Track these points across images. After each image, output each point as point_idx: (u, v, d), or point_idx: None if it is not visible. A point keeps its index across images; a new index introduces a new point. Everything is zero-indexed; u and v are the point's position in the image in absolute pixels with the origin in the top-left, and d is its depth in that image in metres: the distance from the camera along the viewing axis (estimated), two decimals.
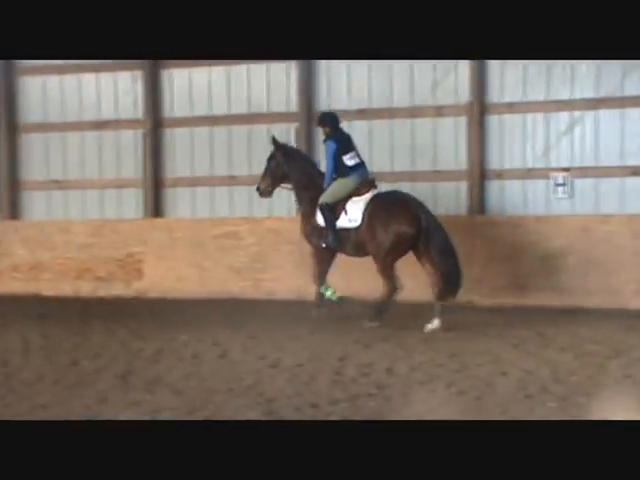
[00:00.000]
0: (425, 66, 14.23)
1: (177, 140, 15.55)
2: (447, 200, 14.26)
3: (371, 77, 14.60)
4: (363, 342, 10.28)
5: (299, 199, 12.20)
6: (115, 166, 15.80)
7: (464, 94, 14.11)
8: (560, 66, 13.66)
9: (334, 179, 11.65)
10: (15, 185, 16.16)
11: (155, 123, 15.51)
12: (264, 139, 14.97)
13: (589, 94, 13.59)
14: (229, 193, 15.36)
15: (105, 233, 15.47)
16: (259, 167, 14.96)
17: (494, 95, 14.04)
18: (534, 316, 12.20)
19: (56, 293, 15.28)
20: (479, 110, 13.99)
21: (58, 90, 16.00)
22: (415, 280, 13.77)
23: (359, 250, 11.71)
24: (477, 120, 13.99)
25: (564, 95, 13.73)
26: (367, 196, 11.56)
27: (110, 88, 15.78)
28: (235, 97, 15.24)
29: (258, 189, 12.38)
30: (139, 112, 15.61)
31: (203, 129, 15.41)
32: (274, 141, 12.31)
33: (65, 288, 15.40)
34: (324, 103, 14.75)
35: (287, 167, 12.10)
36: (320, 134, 14.54)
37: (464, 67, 14.05)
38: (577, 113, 13.68)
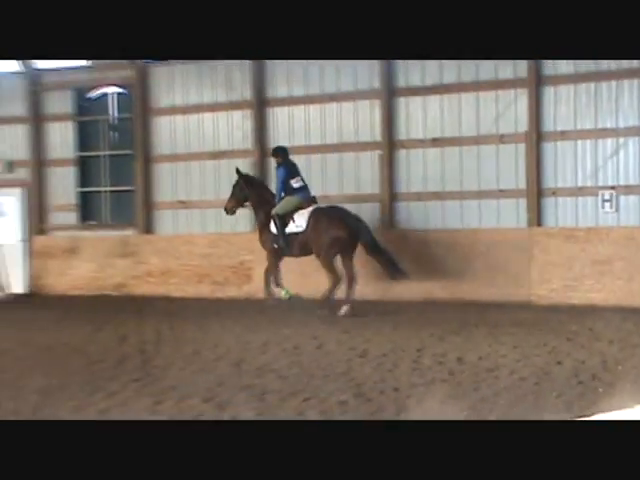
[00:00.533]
0: (489, 100, 14.12)
1: None
2: (509, 214, 14.08)
3: (443, 110, 14.50)
4: (437, 336, 10.22)
5: (256, 214, 13.35)
6: (229, 189, 15.92)
7: (523, 124, 13.93)
8: (606, 99, 13.42)
9: (282, 197, 12.75)
10: (149, 206, 16.43)
11: (262, 152, 15.64)
12: (352, 164, 15.09)
13: (632, 122, 13.30)
14: None
15: (221, 244, 15.66)
16: (349, 187, 15.12)
17: (549, 124, 13.82)
18: (585, 313, 11.98)
19: (182, 294, 15.51)
20: (536, 138, 13.79)
21: (183, 127, 16.25)
22: (477, 281, 13.73)
23: (304, 249, 12.72)
24: (534, 146, 13.79)
25: (610, 124, 13.46)
26: (310, 209, 12.67)
27: (225, 124, 15.96)
28: (328, 129, 15.29)
29: (225, 209, 13.64)
30: (249, 144, 15.77)
31: (301, 157, 15.47)
32: (238, 171, 13.49)
33: (189, 290, 15.62)
34: (403, 133, 14.72)
35: (247, 191, 13.23)
36: (403, 158, 14.68)
37: (523, 101, 13.89)
38: (621, 139, 13.40)
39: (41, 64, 17.01)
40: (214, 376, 8.04)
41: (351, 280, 12.54)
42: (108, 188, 16.91)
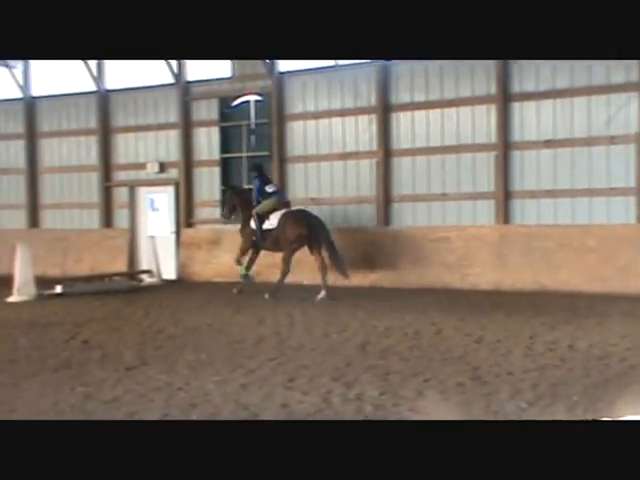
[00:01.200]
0: (600, 103, 13.66)
1: (402, 166, 15.61)
2: (619, 211, 13.60)
3: (556, 113, 14.12)
4: (549, 324, 9.98)
5: (242, 213, 14.53)
6: (356, 187, 16.03)
7: (634, 126, 13.41)
8: None
9: (259, 201, 14.12)
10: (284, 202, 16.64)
11: (386, 154, 15.63)
12: (470, 165, 14.88)
13: None
14: (442, 207, 15.27)
15: (347, 236, 15.71)
16: (466, 186, 14.91)
17: None
18: None
19: (311, 282, 15.60)
20: None
21: (314, 131, 16.39)
22: (587, 273, 13.31)
23: (275, 244, 13.93)
24: None
25: None
26: (282, 211, 13.91)
27: (352, 128, 16.02)
28: (447, 132, 15.14)
29: (223, 216, 15.35)
30: (374, 146, 15.77)
31: (422, 157, 15.40)
32: (224, 184, 15.73)
33: (318, 279, 15.65)
34: (518, 135, 14.42)
35: (235, 199, 14.71)
36: (517, 159, 14.39)
37: (634, 103, 13.37)
38: None
39: (191, 77, 17.52)
40: (342, 357, 8.10)
41: (322, 269, 13.47)
42: (247, 186, 17.24)
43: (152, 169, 17.89)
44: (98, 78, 18.43)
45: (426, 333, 9.55)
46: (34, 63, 19.23)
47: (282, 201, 14.29)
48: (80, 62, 18.15)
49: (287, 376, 7.20)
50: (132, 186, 18.24)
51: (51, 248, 18.50)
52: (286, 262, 13.57)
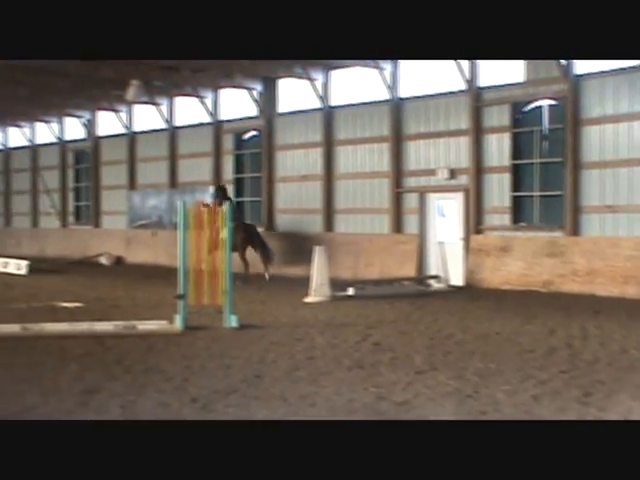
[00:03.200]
0: None
1: None
2: None
3: None
4: None
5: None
6: None
7: None
8: None
9: None
10: (576, 209, 16.04)
11: None
12: None
13: None
14: None
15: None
16: None
17: None
18: None
19: (607, 294, 14.93)
20: None
21: (612, 135, 15.58)
22: None
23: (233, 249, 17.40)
24: None
25: None
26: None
27: None
28: None
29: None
30: None
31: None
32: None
33: (613, 290, 14.98)
34: None
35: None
36: None
37: None
38: None
39: (482, 82, 17.48)
40: None
41: (265, 261, 18.62)
42: (538, 193, 16.85)
43: (442, 175, 18.09)
44: (392, 87, 19.00)
45: None
46: (333, 75, 20.29)
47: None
48: (375, 72, 18.85)
49: (581, 390, 6.95)
50: (422, 192, 18.58)
51: (344, 252, 19.37)
52: (243, 260, 17.90)
